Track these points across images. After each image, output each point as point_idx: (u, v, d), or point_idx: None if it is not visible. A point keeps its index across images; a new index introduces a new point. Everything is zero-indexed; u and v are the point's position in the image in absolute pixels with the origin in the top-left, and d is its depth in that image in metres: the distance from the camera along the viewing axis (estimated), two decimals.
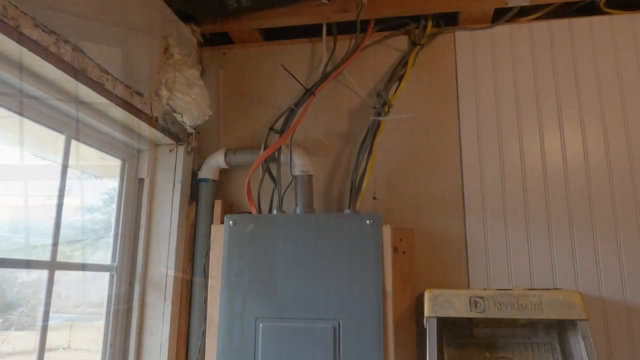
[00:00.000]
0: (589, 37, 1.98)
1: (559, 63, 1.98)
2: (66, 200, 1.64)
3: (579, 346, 1.57)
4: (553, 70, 1.98)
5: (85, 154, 1.99)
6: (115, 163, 1.93)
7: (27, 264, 1.51)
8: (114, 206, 1.92)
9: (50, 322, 1.54)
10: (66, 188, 1.64)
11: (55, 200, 1.60)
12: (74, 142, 1.65)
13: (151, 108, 1.79)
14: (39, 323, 1.49)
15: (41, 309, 1.50)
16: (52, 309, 1.54)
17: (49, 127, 1.54)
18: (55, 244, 1.55)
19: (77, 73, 1.38)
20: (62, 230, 1.61)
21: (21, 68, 1.30)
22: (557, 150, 1.91)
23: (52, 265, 1.54)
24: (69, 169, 1.65)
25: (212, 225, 1.86)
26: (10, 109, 1.39)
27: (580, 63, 1.97)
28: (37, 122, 1.49)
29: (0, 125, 1.78)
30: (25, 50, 1.19)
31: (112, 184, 1.95)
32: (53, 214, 1.57)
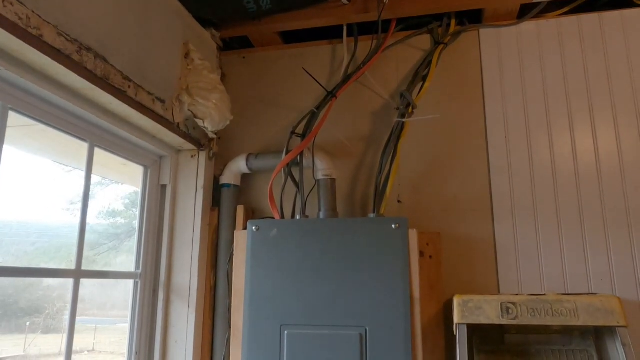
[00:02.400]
0: (621, 30, 1.91)
1: (589, 59, 1.91)
2: (89, 205, 1.64)
3: (617, 354, 1.50)
4: (583, 67, 1.91)
5: (107, 161, 2.00)
6: (137, 170, 1.93)
7: (53, 273, 1.51)
8: (137, 213, 1.92)
9: (76, 325, 1.54)
10: (90, 193, 1.64)
11: (78, 200, 1.60)
12: (96, 150, 1.65)
13: (173, 114, 1.78)
14: (66, 329, 1.49)
15: (67, 316, 1.50)
16: (77, 312, 1.54)
17: (73, 135, 1.54)
18: (80, 252, 1.55)
19: (100, 81, 1.38)
20: (86, 235, 1.61)
21: (45, 77, 1.30)
22: (590, 149, 1.84)
23: (78, 274, 1.54)
24: (93, 175, 1.65)
25: (235, 231, 1.84)
26: (34, 118, 1.39)
27: (612, 58, 1.89)
28: (61, 130, 1.49)
29: (25, 134, 1.80)
30: (48, 59, 1.19)
31: (133, 189, 1.95)
32: (77, 220, 1.57)
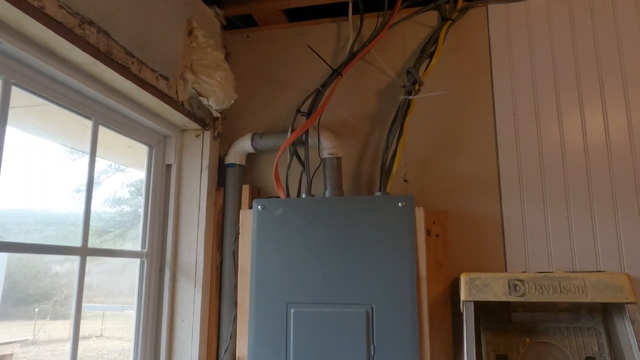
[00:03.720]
0: (633, 3, 1.86)
1: (600, 33, 1.87)
2: (95, 193, 1.64)
3: (626, 331, 1.49)
4: (594, 42, 1.87)
5: (113, 143, 1.99)
6: (142, 152, 1.92)
7: (60, 250, 1.51)
8: (142, 192, 1.91)
9: (83, 312, 1.55)
10: (95, 181, 1.64)
11: (84, 188, 1.60)
12: (101, 131, 1.64)
13: (177, 92, 1.76)
14: (73, 309, 1.50)
15: (74, 296, 1.50)
16: (84, 299, 1.55)
17: (77, 112, 1.53)
18: (86, 231, 1.55)
19: (103, 56, 1.36)
20: (93, 223, 1.61)
21: (47, 51, 1.28)
22: (600, 126, 1.81)
23: (84, 251, 1.54)
24: (98, 159, 1.64)
25: (241, 211, 1.83)
26: (38, 94, 1.38)
27: (623, 32, 1.85)
28: (65, 107, 1.48)
29: (28, 114, 1.79)
30: (49, 32, 1.17)
31: (138, 176, 1.94)
32: (83, 201, 1.57)
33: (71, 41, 1.24)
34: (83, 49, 1.28)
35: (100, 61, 1.35)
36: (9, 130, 1.28)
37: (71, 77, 1.38)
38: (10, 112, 1.65)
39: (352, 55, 1.96)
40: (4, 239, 1.29)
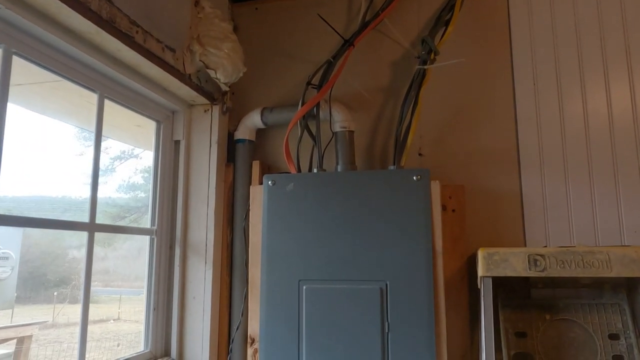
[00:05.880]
0: None
1: None
2: (108, 179, 1.61)
3: None
4: (620, 6, 1.77)
5: (121, 122, 1.95)
6: (151, 130, 1.88)
7: (68, 225, 1.49)
8: (151, 169, 1.88)
9: (101, 296, 1.53)
10: (109, 167, 1.61)
11: (99, 179, 1.57)
12: (109, 109, 1.60)
13: (184, 65, 1.71)
14: (82, 287, 1.47)
15: (83, 271, 1.48)
16: (101, 284, 1.53)
17: (81, 84, 1.49)
18: (93, 205, 1.52)
19: (105, 23, 1.31)
20: (107, 209, 1.58)
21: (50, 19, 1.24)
22: (625, 96, 1.72)
23: (92, 227, 1.52)
24: (108, 139, 1.61)
25: (251, 187, 1.79)
26: (40, 64, 1.34)
27: None
28: (69, 79, 1.44)
29: (35, 92, 1.76)
30: None
31: (151, 162, 1.90)
32: (89, 179, 1.54)
33: (72, 7, 1.19)
34: (84, 16, 1.23)
35: (103, 29, 1.30)
36: (25, 113, 1.25)
37: (74, 46, 1.33)
38: (18, 89, 1.62)
39: (365, 25, 1.88)
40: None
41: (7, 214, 1.25)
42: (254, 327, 1.69)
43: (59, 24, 1.27)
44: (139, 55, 1.47)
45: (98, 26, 1.29)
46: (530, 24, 1.84)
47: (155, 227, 1.82)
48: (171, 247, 1.87)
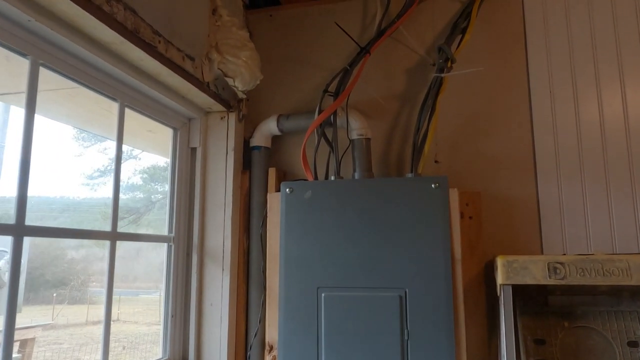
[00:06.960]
0: None
1: None
2: (107, 180, 1.61)
3: None
4: (636, 12, 1.78)
5: (133, 128, 1.96)
6: (163, 136, 1.88)
7: (91, 235, 1.49)
8: (168, 176, 1.88)
9: (98, 297, 1.54)
10: (107, 168, 1.62)
11: (98, 181, 1.58)
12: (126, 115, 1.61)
13: (202, 73, 1.72)
14: (105, 293, 1.48)
15: (106, 279, 1.49)
16: (99, 284, 1.54)
17: (103, 93, 1.50)
18: (115, 215, 1.53)
19: (130, 34, 1.32)
20: (105, 209, 1.59)
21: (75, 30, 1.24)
22: None
23: (114, 236, 1.52)
24: (106, 140, 1.61)
25: (268, 194, 1.80)
26: (66, 75, 1.34)
27: None
28: (92, 88, 1.45)
29: (51, 99, 1.76)
30: (78, 9, 1.13)
31: (151, 163, 1.91)
32: (97, 195, 1.55)
33: (99, 18, 1.20)
34: (110, 27, 1.24)
35: (128, 39, 1.31)
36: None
37: (98, 56, 1.34)
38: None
39: (380, 33, 1.89)
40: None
41: (32, 224, 1.25)
42: (272, 334, 1.70)
43: (84, 35, 1.28)
44: (161, 64, 1.48)
45: (123, 37, 1.29)
46: (546, 30, 1.85)
47: (172, 234, 1.83)
48: (188, 254, 1.88)
